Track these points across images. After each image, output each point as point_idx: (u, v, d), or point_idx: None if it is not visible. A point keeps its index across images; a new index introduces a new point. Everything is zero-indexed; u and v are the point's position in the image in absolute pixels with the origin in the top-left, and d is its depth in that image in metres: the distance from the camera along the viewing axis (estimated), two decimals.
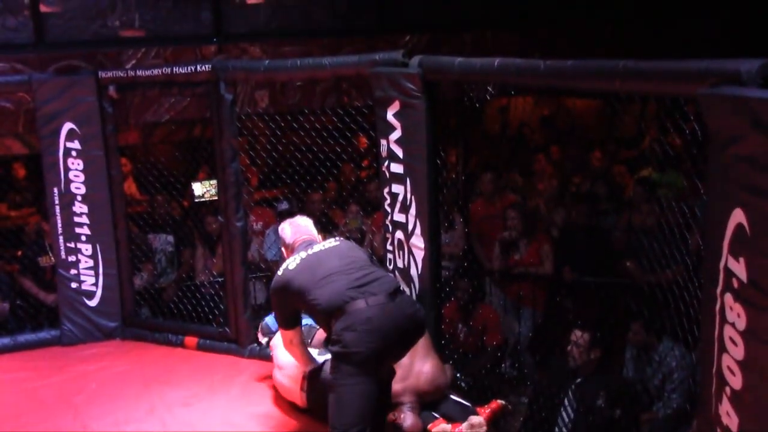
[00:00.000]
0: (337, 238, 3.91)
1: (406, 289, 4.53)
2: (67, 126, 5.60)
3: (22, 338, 5.79)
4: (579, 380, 4.16)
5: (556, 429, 4.14)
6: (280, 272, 3.67)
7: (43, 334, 5.84)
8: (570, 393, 4.15)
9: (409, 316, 3.46)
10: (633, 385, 4.26)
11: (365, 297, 3.38)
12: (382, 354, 3.38)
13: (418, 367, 4.01)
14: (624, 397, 4.01)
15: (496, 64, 3.70)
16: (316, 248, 3.71)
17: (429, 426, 3.92)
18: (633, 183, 6.27)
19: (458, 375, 4.63)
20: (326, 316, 3.45)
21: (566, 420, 4.11)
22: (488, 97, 4.24)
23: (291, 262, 3.66)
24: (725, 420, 2.27)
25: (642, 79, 2.74)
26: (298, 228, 3.98)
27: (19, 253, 6.63)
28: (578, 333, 4.17)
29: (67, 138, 5.61)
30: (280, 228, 4.04)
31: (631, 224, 5.61)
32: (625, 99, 3.85)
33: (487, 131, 8.43)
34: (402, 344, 3.50)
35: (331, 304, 3.42)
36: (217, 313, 5.81)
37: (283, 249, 3.96)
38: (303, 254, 3.67)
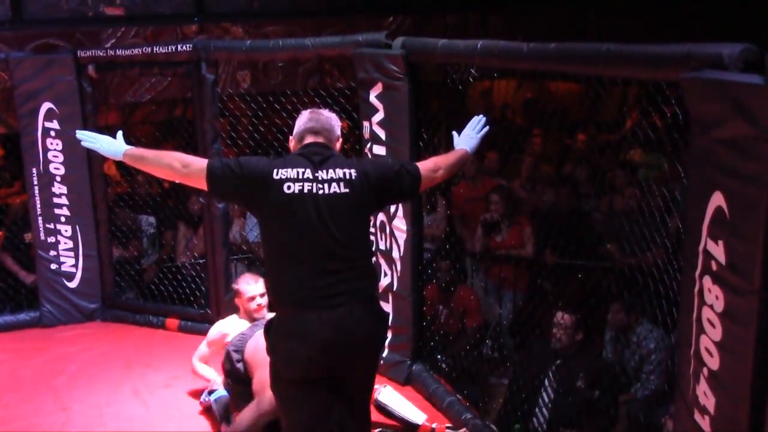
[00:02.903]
0: (350, 178, 2.82)
1: (389, 277, 4.54)
2: (46, 105, 5.55)
3: (1, 320, 5.75)
4: (559, 362, 4.19)
5: (536, 410, 4.18)
6: (268, 163, 2.85)
7: (23, 316, 5.81)
8: (550, 374, 4.18)
9: (358, 341, 2.83)
10: (612, 367, 4.31)
11: (318, 310, 2.75)
12: (314, 375, 2.82)
13: None
14: (603, 379, 4.05)
15: (479, 46, 3.69)
16: (315, 186, 2.79)
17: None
18: (615, 166, 6.30)
19: (439, 357, 4.66)
20: (269, 290, 2.99)
21: (546, 401, 4.15)
22: (471, 80, 4.23)
23: (283, 172, 2.79)
24: (702, 400, 2.30)
25: (625, 62, 2.74)
26: (315, 121, 2.96)
27: (0, 233, 6.56)
28: (563, 315, 4.19)
29: (45, 118, 5.56)
30: (299, 115, 3.06)
31: (612, 207, 5.65)
32: (607, 82, 3.85)
33: (470, 114, 8.41)
34: (347, 364, 2.87)
35: (276, 291, 2.88)
36: (198, 294, 5.80)
37: (290, 138, 3.04)
38: (294, 184, 2.78)
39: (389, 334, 4.64)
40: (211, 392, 4.25)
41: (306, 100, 5.30)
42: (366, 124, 4.51)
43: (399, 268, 4.49)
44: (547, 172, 6.80)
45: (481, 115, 3.33)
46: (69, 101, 5.59)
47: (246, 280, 4.26)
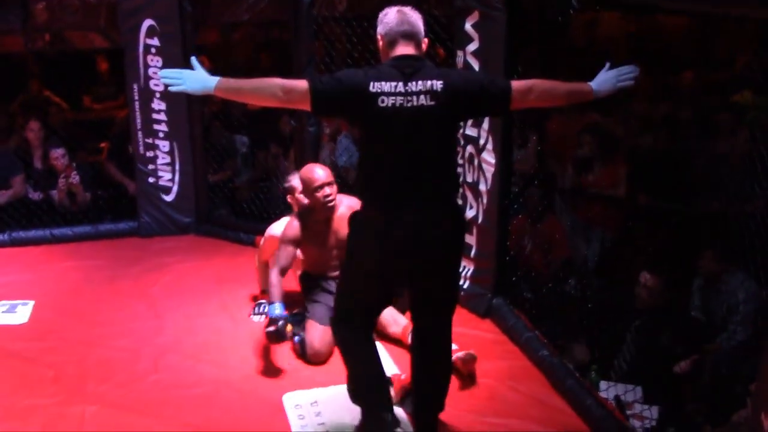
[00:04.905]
0: (435, 90, 2.85)
1: (475, 210, 4.52)
2: (147, 23, 5.67)
3: (103, 227, 6.08)
4: (642, 319, 4.11)
5: (614, 361, 4.13)
6: (364, 75, 2.87)
7: (122, 225, 6.11)
8: (633, 329, 4.11)
9: (435, 241, 2.96)
10: (698, 322, 4.19)
11: (399, 210, 2.91)
12: (391, 274, 3.08)
13: None
14: (688, 335, 3.95)
15: None
16: (405, 99, 2.83)
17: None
18: (721, 107, 5.98)
19: (522, 292, 4.65)
20: (360, 194, 3.12)
21: (626, 354, 4.09)
22: (572, 11, 4.06)
23: (378, 86, 2.83)
24: None
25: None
26: (406, 24, 2.97)
27: (103, 144, 6.85)
28: (647, 276, 4.07)
29: (147, 34, 5.69)
30: (383, 12, 3.02)
31: (715, 151, 5.39)
32: (719, 19, 3.62)
33: (571, 47, 8.11)
34: (425, 265, 3.03)
35: (365, 193, 3.04)
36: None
37: (378, 37, 3.00)
38: (388, 98, 2.83)
39: (472, 266, 4.66)
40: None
41: None
42: (460, 53, 4.42)
43: (485, 201, 4.46)
44: (647, 111, 6.52)
45: (635, 67, 3.05)
46: (170, 19, 5.69)
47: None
